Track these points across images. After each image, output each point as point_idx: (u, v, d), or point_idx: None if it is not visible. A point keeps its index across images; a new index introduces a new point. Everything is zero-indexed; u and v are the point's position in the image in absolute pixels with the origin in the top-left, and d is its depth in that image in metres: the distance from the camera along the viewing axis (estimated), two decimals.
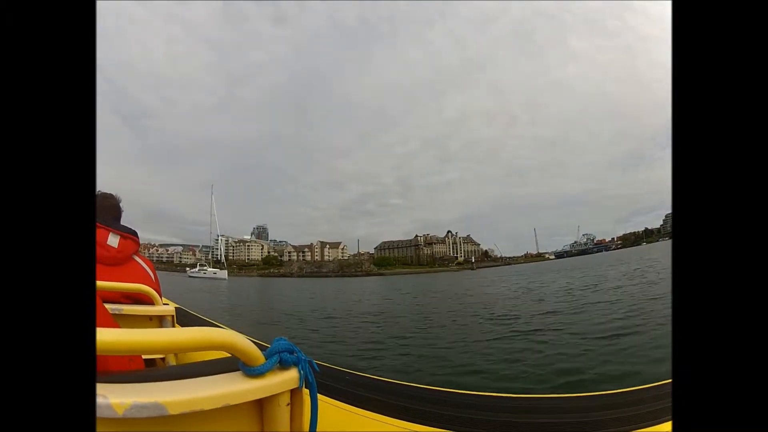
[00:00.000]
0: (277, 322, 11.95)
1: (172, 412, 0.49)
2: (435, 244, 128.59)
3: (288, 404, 0.63)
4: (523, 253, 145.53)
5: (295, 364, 0.65)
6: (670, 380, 0.51)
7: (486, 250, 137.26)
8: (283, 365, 0.63)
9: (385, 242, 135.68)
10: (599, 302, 11.35)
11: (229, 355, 0.59)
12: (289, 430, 0.63)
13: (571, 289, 16.55)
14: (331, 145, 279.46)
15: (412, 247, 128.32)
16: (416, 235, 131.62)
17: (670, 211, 0.51)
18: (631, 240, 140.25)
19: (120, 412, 0.45)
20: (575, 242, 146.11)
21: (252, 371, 0.59)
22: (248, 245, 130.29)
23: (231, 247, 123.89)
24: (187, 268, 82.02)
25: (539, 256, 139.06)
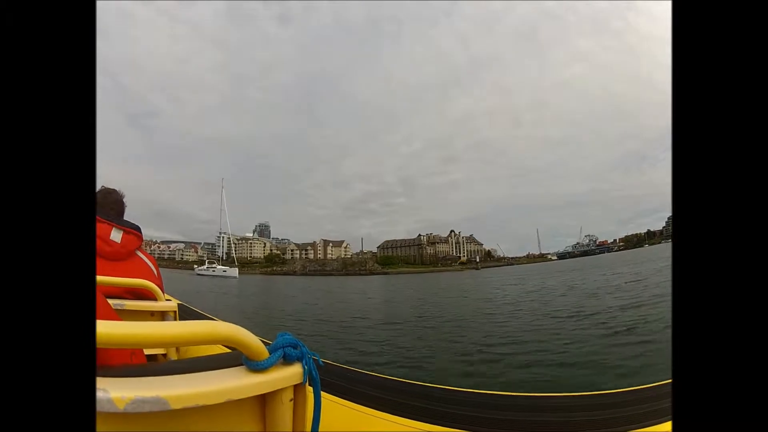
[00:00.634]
0: (357, 341, 8.78)
1: (174, 406, 0.48)
2: (438, 243, 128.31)
3: (291, 400, 0.62)
4: (525, 254, 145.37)
5: (299, 359, 0.64)
6: (670, 380, 0.51)
7: (489, 250, 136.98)
8: (287, 360, 0.62)
9: (387, 241, 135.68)
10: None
11: (231, 350, 0.58)
12: (291, 426, 0.62)
13: (617, 284, 16.34)
14: (337, 143, 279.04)
15: (415, 247, 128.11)
16: (419, 235, 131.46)
17: (671, 213, 0.51)
18: (633, 242, 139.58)
19: (121, 407, 0.45)
20: (577, 243, 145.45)
21: (255, 366, 0.58)
22: (251, 243, 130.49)
23: (233, 245, 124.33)
24: (195, 266, 79.06)
25: (541, 257, 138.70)
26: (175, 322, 1.63)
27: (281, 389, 0.60)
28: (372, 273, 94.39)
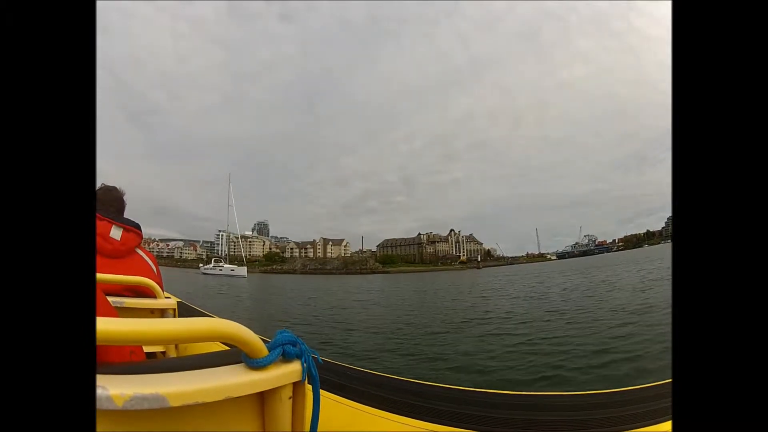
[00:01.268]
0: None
1: (174, 404, 0.48)
2: (438, 242, 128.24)
3: (290, 398, 0.62)
4: (524, 254, 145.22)
5: (298, 356, 0.64)
6: (670, 380, 0.51)
7: (488, 250, 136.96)
8: (286, 358, 0.62)
9: (387, 240, 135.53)
10: None
11: (230, 348, 0.58)
12: (290, 424, 0.62)
13: (653, 277, 15.80)
14: (337, 142, 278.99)
15: (415, 245, 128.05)
16: (419, 233, 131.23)
17: (671, 213, 0.51)
18: (632, 242, 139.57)
19: (120, 404, 0.45)
20: (576, 243, 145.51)
21: (255, 363, 0.58)
22: (250, 241, 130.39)
23: (232, 243, 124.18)
24: (200, 265, 74.88)
25: (541, 257, 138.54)
26: (174, 319, 1.63)
27: (280, 387, 0.60)
28: (373, 272, 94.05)
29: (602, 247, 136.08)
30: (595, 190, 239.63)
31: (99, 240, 1.58)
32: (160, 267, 1.93)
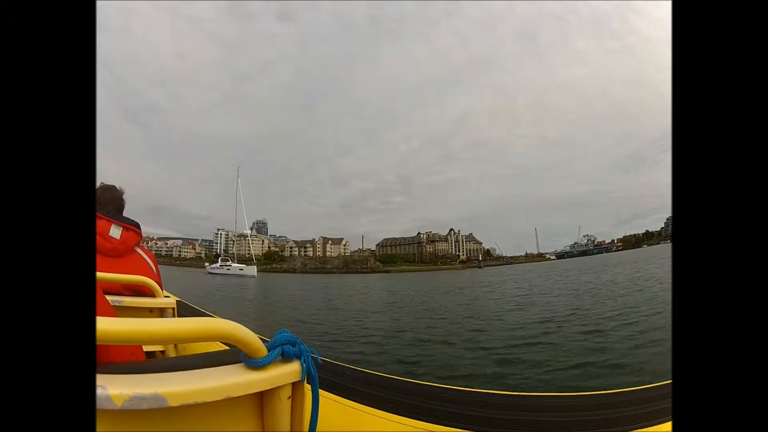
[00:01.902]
0: None
1: (173, 403, 0.48)
2: (437, 242, 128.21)
3: (289, 398, 0.62)
4: (523, 253, 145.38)
5: (298, 356, 0.64)
6: (670, 380, 0.51)
7: (488, 249, 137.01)
8: (286, 358, 0.62)
9: (387, 239, 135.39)
10: None
11: (229, 348, 0.58)
12: (289, 424, 0.62)
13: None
14: (335, 142, 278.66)
15: (415, 245, 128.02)
16: (419, 232, 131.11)
17: (670, 214, 0.51)
18: (631, 242, 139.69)
19: (119, 404, 0.45)
20: (575, 243, 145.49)
21: (254, 363, 0.58)
22: (249, 240, 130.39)
23: (231, 242, 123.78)
24: (206, 264, 71.73)
25: (540, 257, 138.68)
26: (173, 318, 1.63)
27: (279, 387, 0.60)
28: (374, 271, 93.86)
29: (601, 248, 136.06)
30: (593, 190, 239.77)
31: (98, 239, 1.58)
32: (159, 266, 1.93)
